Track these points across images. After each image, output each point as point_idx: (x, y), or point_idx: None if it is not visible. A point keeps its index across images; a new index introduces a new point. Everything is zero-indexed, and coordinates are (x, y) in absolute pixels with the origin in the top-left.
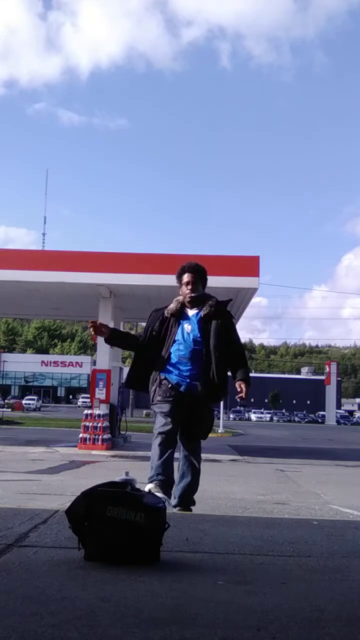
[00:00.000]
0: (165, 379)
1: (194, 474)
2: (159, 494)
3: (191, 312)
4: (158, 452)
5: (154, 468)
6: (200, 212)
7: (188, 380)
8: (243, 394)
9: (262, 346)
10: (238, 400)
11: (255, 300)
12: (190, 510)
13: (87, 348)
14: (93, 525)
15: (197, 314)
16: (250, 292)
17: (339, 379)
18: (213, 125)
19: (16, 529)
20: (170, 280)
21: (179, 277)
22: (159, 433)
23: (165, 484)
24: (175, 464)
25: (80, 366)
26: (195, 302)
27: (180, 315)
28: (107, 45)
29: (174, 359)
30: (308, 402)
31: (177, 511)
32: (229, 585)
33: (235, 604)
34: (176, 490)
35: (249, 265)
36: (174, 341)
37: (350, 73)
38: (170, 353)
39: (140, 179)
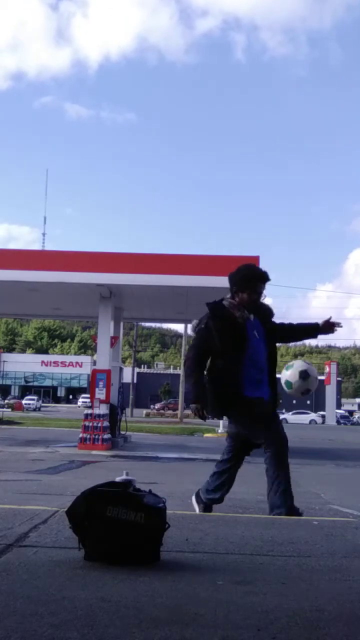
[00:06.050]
0: (247, 395)
1: (287, 480)
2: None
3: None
4: (220, 475)
5: (211, 485)
6: (205, 210)
7: (264, 389)
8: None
9: None
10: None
11: None
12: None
13: (87, 348)
14: (93, 525)
15: (255, 319)
16: None
17: (339, 379)
18: (221, 122)
19: (16, 529)
20: (170, 280)
21: (251, 283)
22: (228, 459)
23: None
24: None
25: (80, 366)
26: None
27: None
28: (118, 36)
29: (248, 369)
30: (308, 402)
31: (274, 515)
32: (229, 585)
33: (235, 604)
34: (277, 499)
35: None
36: (246, 351)
37: None
38: (243, 363)
39: (144, 177)
